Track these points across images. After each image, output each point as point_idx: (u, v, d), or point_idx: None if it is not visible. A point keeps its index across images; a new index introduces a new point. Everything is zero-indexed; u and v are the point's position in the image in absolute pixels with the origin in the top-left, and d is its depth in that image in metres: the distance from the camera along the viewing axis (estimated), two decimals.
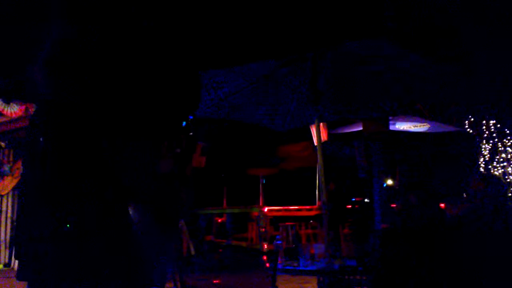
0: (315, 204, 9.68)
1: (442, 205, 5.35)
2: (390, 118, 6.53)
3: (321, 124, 6.33)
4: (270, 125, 4.95)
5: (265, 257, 7.83)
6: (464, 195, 5.70)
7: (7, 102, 5.45)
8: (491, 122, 9.84)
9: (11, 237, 6.97)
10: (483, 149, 10.05)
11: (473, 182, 3.57)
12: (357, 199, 9.53)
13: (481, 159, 10.05)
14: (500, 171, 9.77)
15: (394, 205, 8.33)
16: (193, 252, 6.06)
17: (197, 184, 9.09)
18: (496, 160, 9.92)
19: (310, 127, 6.71)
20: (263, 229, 9.08)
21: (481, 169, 9.96)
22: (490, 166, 9.98)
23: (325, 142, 6.83)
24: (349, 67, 4.04)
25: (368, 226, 7.62)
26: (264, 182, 10.73)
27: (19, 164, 7.14)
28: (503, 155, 9.85)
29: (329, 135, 7.28)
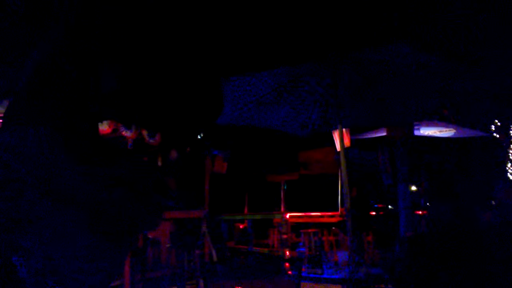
0: (337, 210, 9.57)
1: (470, 211, 5.21)
2: (415, 123, 6.41)
3: (344, 129, 6.27)
4: (292, 130, 4.93)
5: (287, 264, 7.78)
6: (493, 202, 5.55)
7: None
8: None
9: None
10: (510, 155, 9.79)
11: (503, 191, 3.47)
12: (380, 205, 9.39)
13: (509, 165, 9.78)
14: None
15: (420, 212, 8.17)
16: (215, 259, 6.05)
17: (219, 190, 9.11)
18: None
19: (333, 133, 6.64)
20: (285, 236, 9.02)
21: (509, 175, 9.69)
22: None
23: (348, 148, 6.76)
24: (372, 72, 3.99)
25: (392, 233, 7.49)
26: (285, 188, 10.69)
27: None
28: None
29: (352, 140, 7.19)
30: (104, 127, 6.18)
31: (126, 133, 6.59)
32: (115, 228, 1.33)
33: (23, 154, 1.21)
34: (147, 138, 6.84)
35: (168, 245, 6.19)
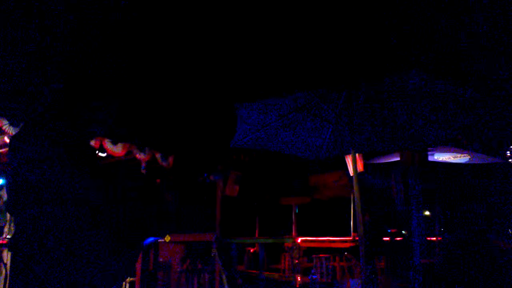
0: (349, 235, 9.45)
1: (487, 239, 5.10)
2: (429, 149, 6.37)
3: (357, 154, 6.24)
4: (305, 155, 4.93)
5: None
6: (510, 231, 5.43)
7: (15, 125, 5.62)
8: None
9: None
10: None
11: None
12: (393, 230, 9.24)
13: None
14: None
15: (434, 238, 8.02)
16: (225, 284, 5.98)
17: (230, 213, 9.08)
18: None
19: (345, 157, 6.62)
20: (296, 261, 8.90)
21: None
22: None
23: (360, 172, 6.72)
24: (385, 98, 4.00)
25: (406, 260, 7.34)
26: (297, 211, 10.60)
27: None
28: None
29: (365, 165, 7.15)
30: (118, 149, 6.27)
31: (140, 156, 6.67)
32: (127, 234, 1.41)
33: (44, 169, 1.31)
34: (160, 160, 6.90)
35: (178, 269, 6.15)
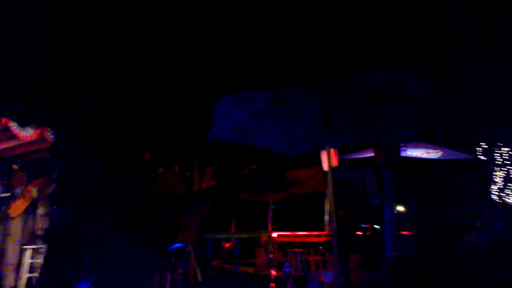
0: (324, 230, 9.55)
1: (457, 233, 5.24)
2: (402, 144, 6.47)
3: (332, 149, 6.29)
4: (280, 150, 4.94)
5: (273, 285, 7.69)
6: (477, 224, 5.58)
7: (23, 126, 5.61)
8: (504, 149, 9.71)
9: (18, 260, 6.94)
10: (496, 177, 9.89)
11: (489, 212, 3.50)
12: (367, 225, 9.38)
13: (494, 187, 9.87)
14: None
15: (405, 233, 8.18)
16: (200, 279, 5.96)
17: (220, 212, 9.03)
18: (510, 188, 9.74)
19: (320, 152, 6.67)
20: (272, 255, 8.95)
21: (494, 197, 9.78)
22: (503, 194, 9.80)
23: (335, 167, 6.78)
24: (360, 94, 4.04)
25: (379, 253, 7.47)
26: (273, 207, 10.64)
27: (30, 187, 7.20)
28: None
29: (339, 160, 7.22)
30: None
31: None
32: (151, 235, 1.44)
33: (82, 174, 1.33)
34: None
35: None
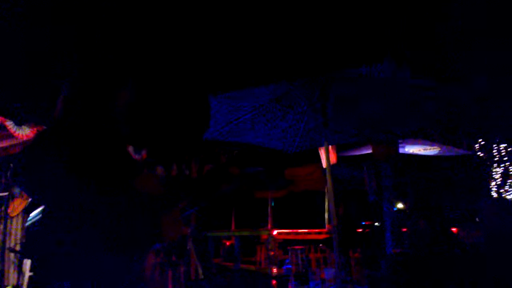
0: (324, 227, 9.58)
1: (454, 229, 5.26)
2: (400, 141, 6.49)
3: (330, 146, 6.31)
4: (279, 147, 4.95)
5: (274, 282, 7.71)
6: (477, 220, 5.60)
7: (19, 124, 5.61)
8: (502, 145, 9.73)
9: (20, 259, 6.96)
10: (494, 173, 9.92)
11: (487, 208, 3.51)
12: (367, 222, 9.41)
13: (493, 183, 9.90)
14: None
15: (406, 229, 8.21)
16: (201, 276, 5.98)
17: (206, 206, 9.04)
18: (509, 184, 9.77)
19: (319, 150, 6.69)
20: (272, 253, 8.97)
21: (493, 193, 9.81)
22: (502, 190, 9.82)
23: (334, 164, 6.80)
24: (358, 90, 4.05)
25: (379, 250, 7.49)
26: (273, 204, 10.67)
27: None
28: None
29: (338, 157, 7.24)
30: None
31: None
32: (130, 243, 1.40)
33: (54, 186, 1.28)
34: (132, 153, 6.80)
35: (152, 261, 6.11)
